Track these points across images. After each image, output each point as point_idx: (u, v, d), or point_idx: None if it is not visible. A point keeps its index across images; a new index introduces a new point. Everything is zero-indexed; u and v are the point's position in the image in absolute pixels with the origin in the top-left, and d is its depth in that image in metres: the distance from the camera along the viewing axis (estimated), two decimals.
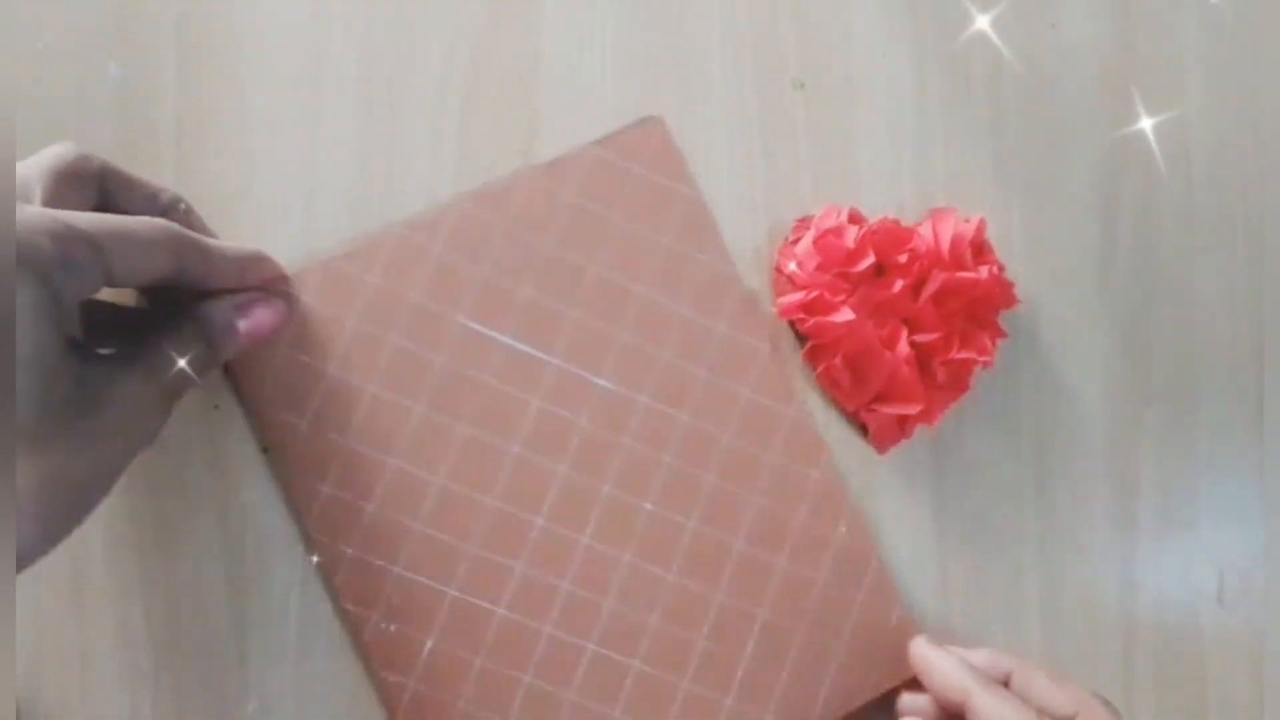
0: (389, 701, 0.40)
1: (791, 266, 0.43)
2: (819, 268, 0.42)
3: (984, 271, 0.43)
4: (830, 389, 0.43)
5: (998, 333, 0.44)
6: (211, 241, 0.35)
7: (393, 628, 0.40)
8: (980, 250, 0.44)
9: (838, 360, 0.42)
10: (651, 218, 0.42)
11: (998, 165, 0.46)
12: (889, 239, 0.42)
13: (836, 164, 0.45)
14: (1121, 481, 0.46)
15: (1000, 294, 0.44)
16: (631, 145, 0.43)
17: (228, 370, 0.40)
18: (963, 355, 0.43)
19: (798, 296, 0.43)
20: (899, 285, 0.42)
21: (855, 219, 0.43)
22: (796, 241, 0.43)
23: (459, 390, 0.41)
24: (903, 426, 0.43)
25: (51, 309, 0.29)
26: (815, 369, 0.43)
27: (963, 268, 0.43)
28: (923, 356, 0.43)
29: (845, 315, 0.42)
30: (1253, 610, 0.47)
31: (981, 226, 0.44)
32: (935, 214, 0.44)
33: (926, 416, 0.43)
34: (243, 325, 0.36)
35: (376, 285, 0.40)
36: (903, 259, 0.42)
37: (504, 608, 0.41)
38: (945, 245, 0.43)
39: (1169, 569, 0.46)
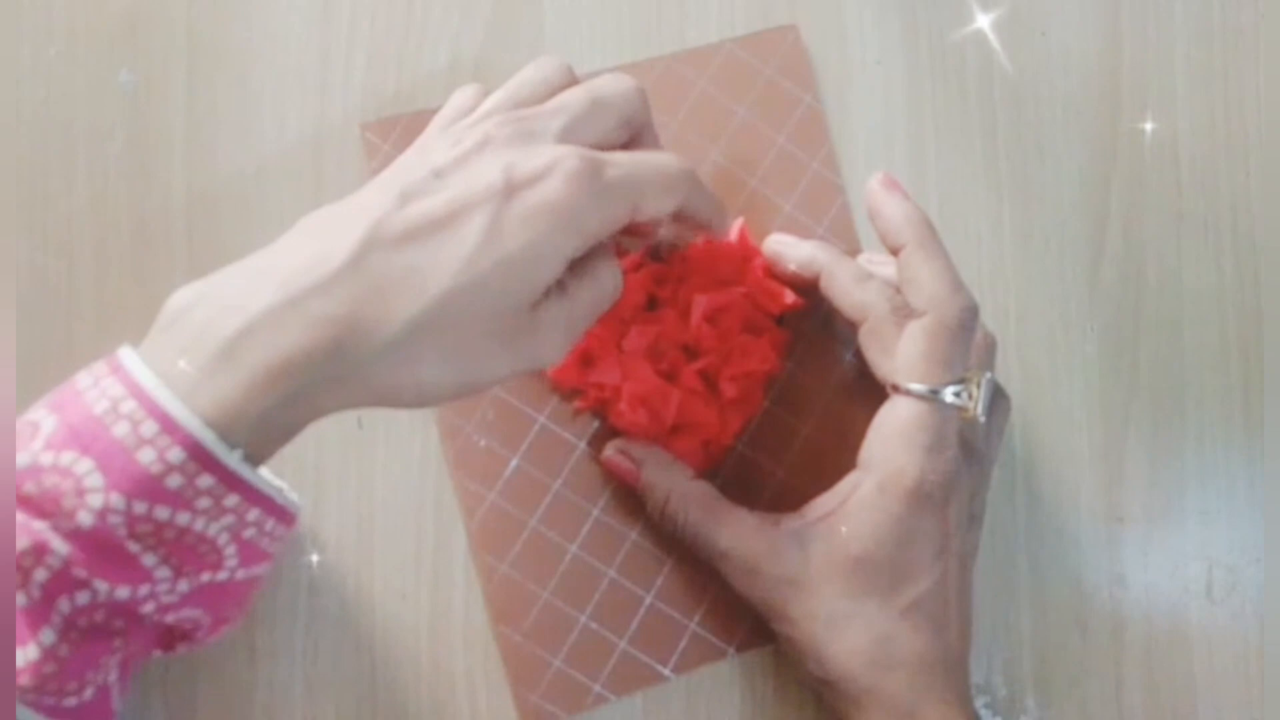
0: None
1: None
2: None
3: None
4: (627, 431, 0.42)
5: (778, 337, 0.43)
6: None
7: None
8: (748, 256, 0.43)
9: (623, 406, 0.41)
10: (772, 118, 0.45)
11: (989, 168, 0.47)
12: (651, 272, 0.42)
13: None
14: (1110, 477, 0.46)
15: (768, 299, 0.43)
16: (766, 47, 0.45)
17: None
18: (746, 369, 0.42)
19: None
20: (668, 318, 0.42)
21: (619, 254, 0.41)
22: None
23: None
24: (704, 452, 0.42)
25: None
26: (606, 417, 0.43)
27: (727, 283, 0.42)
28: (709, 378, 0.42)
29: (609, 375, 0.41)
30: (1242, 605, 0.46)
31: (742, 233, 0.43)
32: None
33: (722, 437, 0.42)
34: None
35: None
36: (666, 290, 0.42)
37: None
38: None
39: (1158, 564, 0.46)
